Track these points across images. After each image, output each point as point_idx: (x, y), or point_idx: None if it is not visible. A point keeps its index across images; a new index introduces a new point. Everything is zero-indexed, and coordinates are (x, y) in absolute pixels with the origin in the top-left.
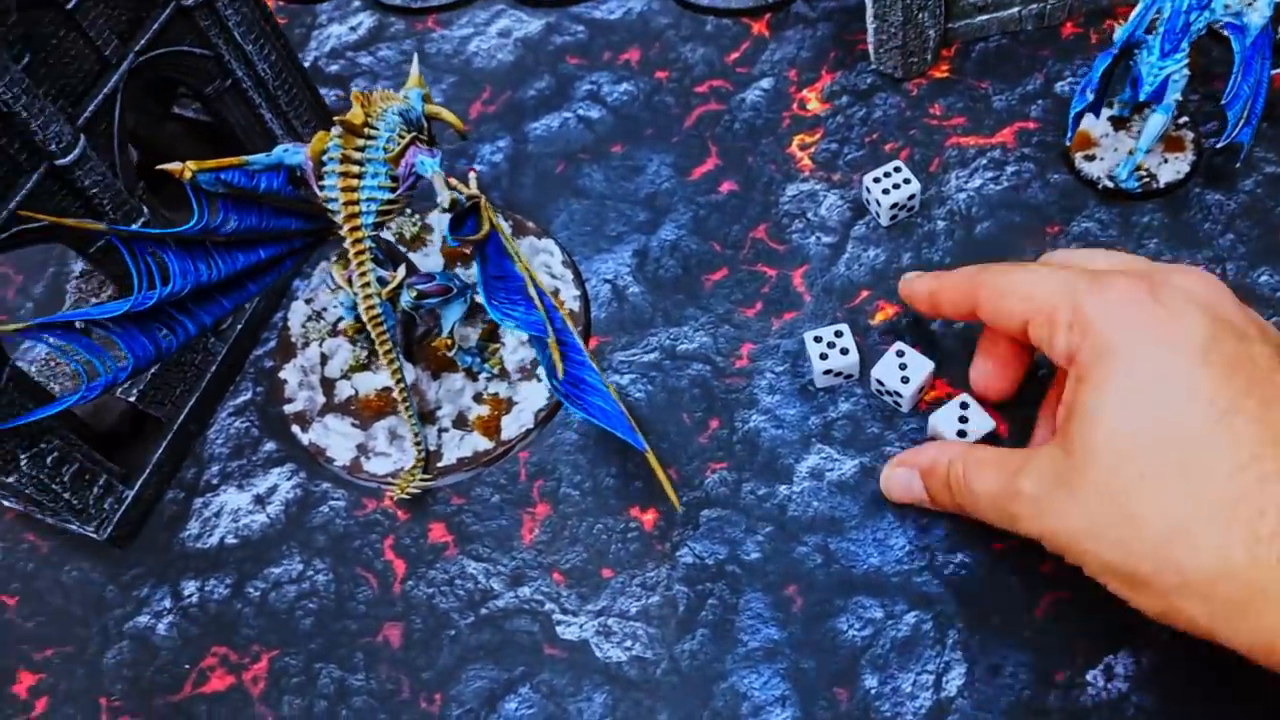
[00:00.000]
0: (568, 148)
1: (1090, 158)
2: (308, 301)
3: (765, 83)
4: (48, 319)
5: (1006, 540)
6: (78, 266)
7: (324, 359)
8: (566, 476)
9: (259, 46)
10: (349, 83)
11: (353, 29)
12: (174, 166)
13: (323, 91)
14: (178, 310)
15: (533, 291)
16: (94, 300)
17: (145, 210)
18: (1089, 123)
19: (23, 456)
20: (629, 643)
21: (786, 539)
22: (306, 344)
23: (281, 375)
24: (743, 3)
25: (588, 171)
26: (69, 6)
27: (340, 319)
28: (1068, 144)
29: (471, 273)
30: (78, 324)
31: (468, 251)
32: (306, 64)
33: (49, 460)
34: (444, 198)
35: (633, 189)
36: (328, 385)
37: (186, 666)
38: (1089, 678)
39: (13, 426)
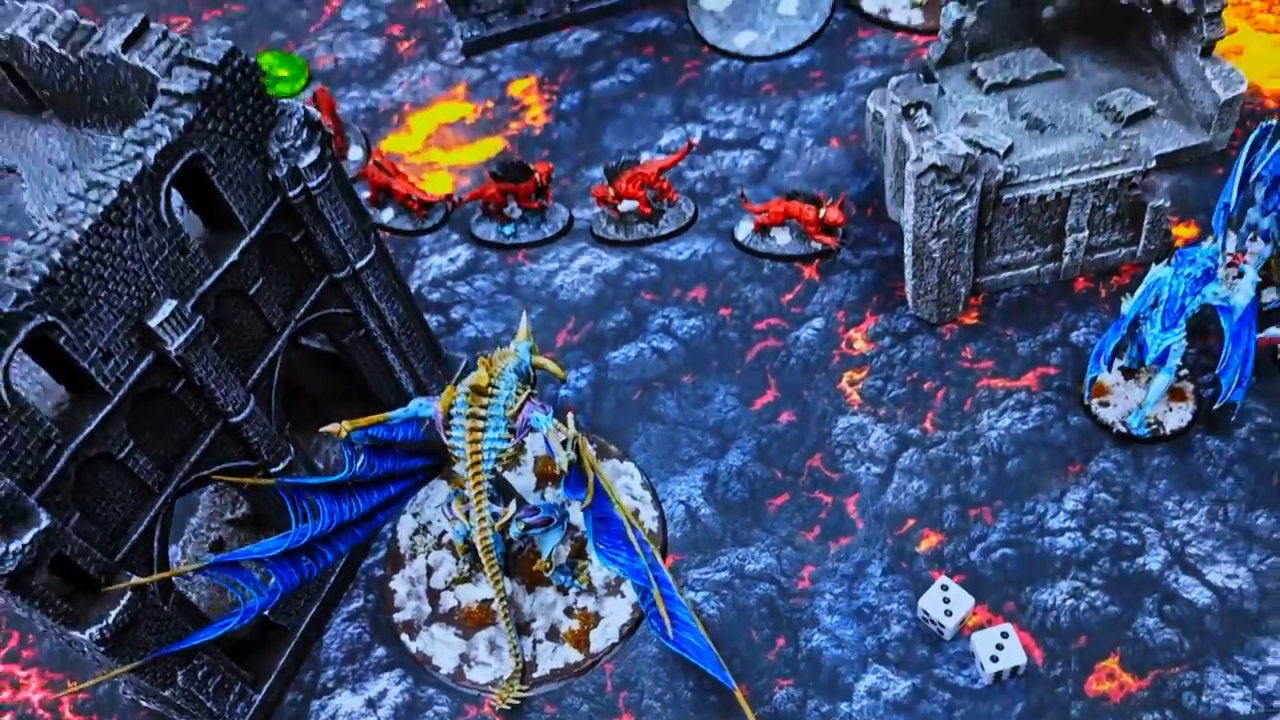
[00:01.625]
0: (644, 376)
1: (1105, 404)
2: (414, 516)
3: (817, 322)
4: (220, 558)
5: None
6: (209, 487)
7: (429, 570)
8: (649, 689)
9: (390, 304)
10: (449, 309)
11: (451, 260)
12: (333, 428)
13: (425, 316)
14: (321, 543)
15: (631, 536)
16: (228, 515)
17: (291, 449)
18: (1103, 374)
19: (179, 672)
20: None
21: None
22: (414, 556)
23: (391, 585)
24: (794, 250)
25: (662, 398)
26: (251, 292)
27: (444, 533)
28: (1085, 400)
29: (560, 492)
30: (242, 562)
31: (558, 473)
32: (410, 291)
33: (199, 674)
34: (562, 460)
35: (702, 416)
36: (433, 595)
37: None
38: None
39: (181, 649)
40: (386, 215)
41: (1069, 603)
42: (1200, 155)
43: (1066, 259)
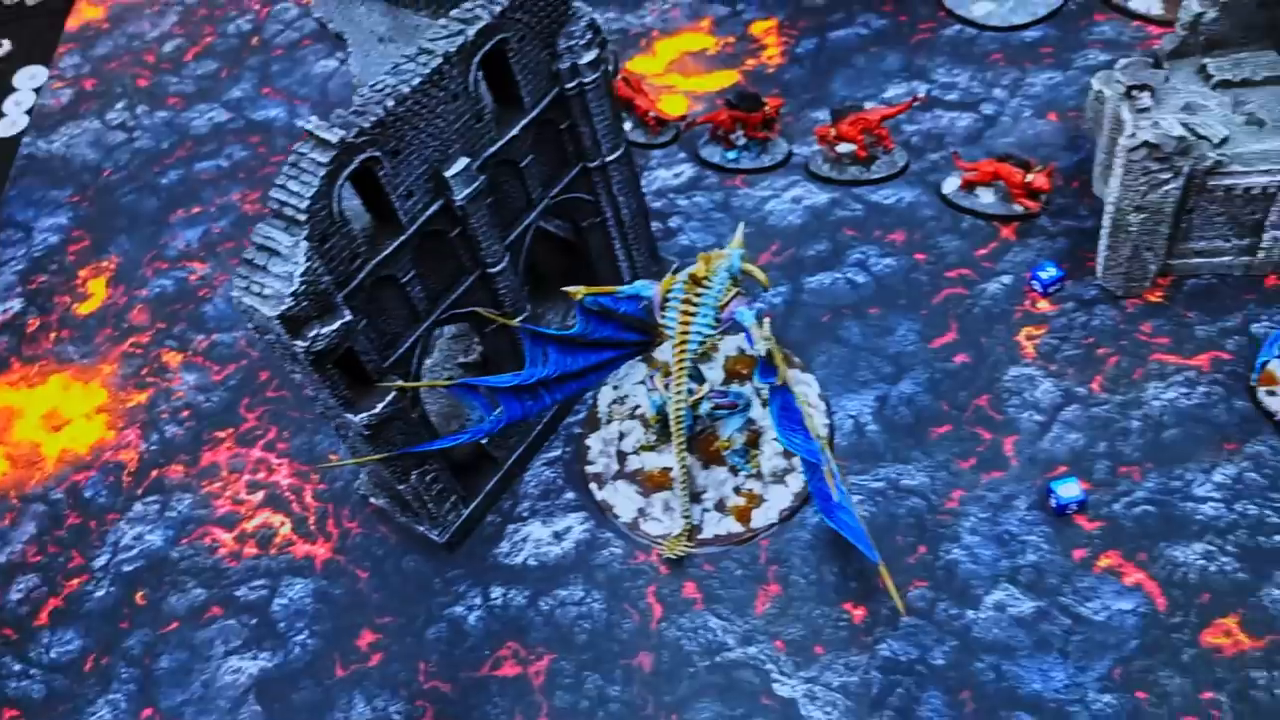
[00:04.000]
0: (835, 302)
1: (1273, 393)
2: (614, 388)
3: (1005, 278)
4: (465, 380)
5: (1149, 689)
6: (449, 330)
7: (621, 436)
8: (797, 566)
9: (626, 199)
10: (667, 218)
11: (676, 175)
12: (573, 290)
13: None
14: (544, 387)
15: (810, 425)
16: (460, 360)
17: (527, 307)
18: (1275, 365)
19: (414, 473)
20: (828, 709)
21: (967, 653)
22: (610, 421)
23: (587, 442)
24: (996, 210)
25: (848, 324)
26: (522, 165)
27: (638, 406)
28: (1253, 383)
29: (748, 390)
30: (481, 388)
31: (744, 374)
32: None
33: (428, 477)
34: (760, 347)
35: (883, 345)
36: (621, 456)
37: (487, 653)
38: None
39: (419, 451)
40: (625, 127)
41: (1199, 563)
42: None
43: (1261, 254)
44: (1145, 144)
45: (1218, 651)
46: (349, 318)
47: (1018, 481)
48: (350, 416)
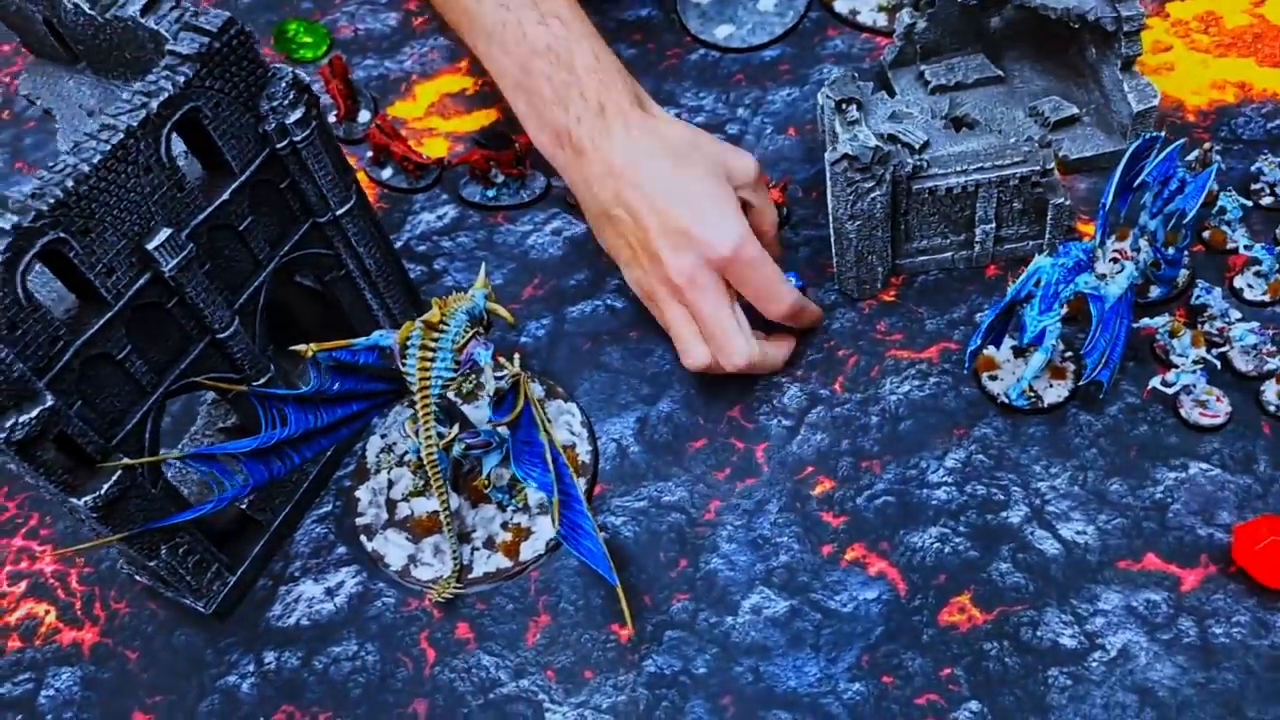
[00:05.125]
0: (596, 329)
1: (993, 377)
2: (382, 437)
3: None
4: (198, 450)
5: (894, 673)
6: (209, 397)
7: (390, 484)
8: (565, 594)
9: (368, 248)
10: (433, 261)
11: (439, 217)
12: (300, 349)
13: (411, 266)
14: (289, 447)
15: (549, 456)
16: (219, 424)
17: (271, 367)
18: (993, 350)
19: (164, 547)
20: None
21: (727, 659)
22: (378, 470)
23: (356, 494)
24: None
25: (609, 350)
26: (240, 228)
27: (405, 453)
28: (966, 373)
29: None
30: (218, 455)
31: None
32: (400, 242)
33: (181, 550)
34: (490, 388)
35: (642, 367)
36: (391, 505)
37: (261, 719)
38: None
39: (162, 526)
40: (386, 173)
41: (935, 546)
42: (1117, 161)
43: (978, 247)
44: (845, 156)
45: (953, 629)
46: (51, 403)
47: (769, 486)
48: (74, 500)
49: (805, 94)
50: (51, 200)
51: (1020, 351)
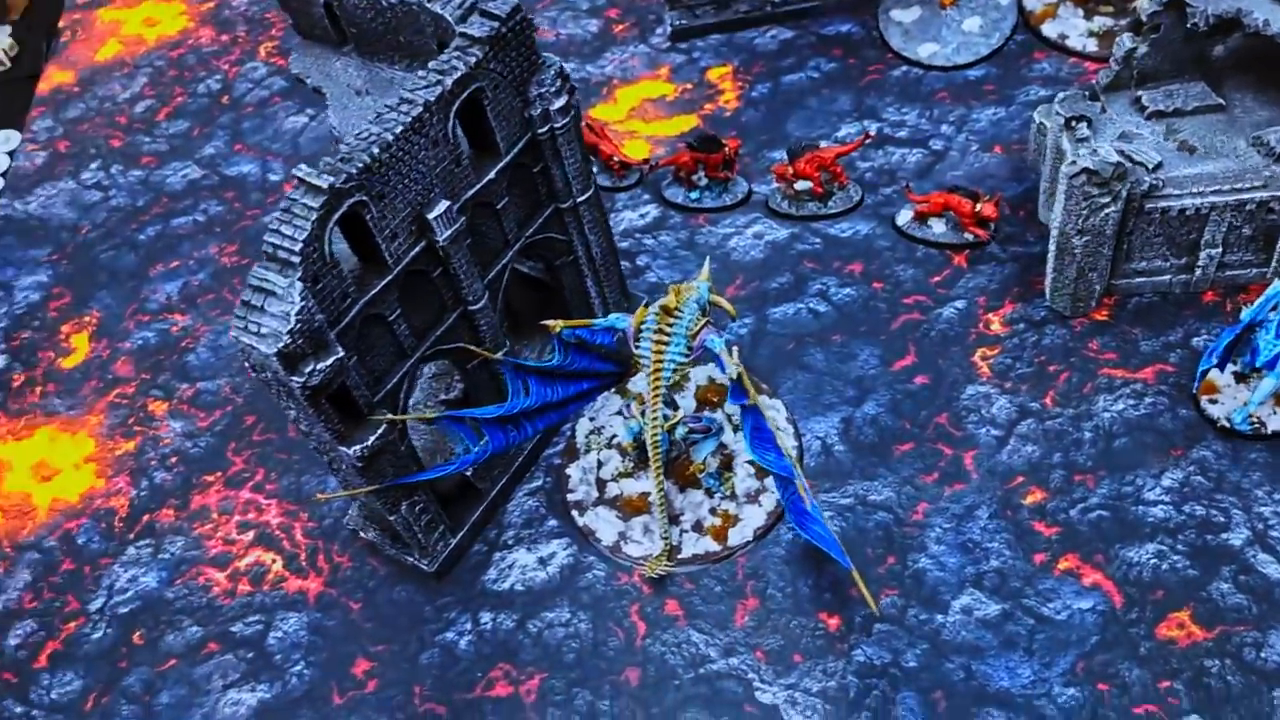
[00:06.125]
0: (798, 331)
1: (1214, 401)
2: (590, 419)
3: (959, 303)
4: (452, 412)
5: (1110, 681)
6: (429, 369)
7: (599, 464)
8: (773, 581)
9: (597, 237)
10: (635, 257)
11: (641, 216)
12: (552, 323)
13: None
14: (526, 418)
15: (781, 443)
16: (441, 396)
17: (507, 342)
18: (1215, 375)
19: (404, 503)
20: (809, 713)
21: (938, 655)
22: (588, 451)
23: (567, 471)
24: (948, 239)
25: (811, 351)
26: (498, 207)
27: (614, 435)
28: (1194, 391)
29: (720, 415)
30: (468, 419)
31: (715, 401)
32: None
33: (417, 508)
34: (731, 370)
35: (845, 370)
36: (600, 484)
37: (479, 675)
38: None
39: (410, 481)
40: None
41: (1152, 561)
42: None
43: (1199, 272)
44: (1085, 170)
45: (1172, 643)
46: (341, 354)
47: (978, 493)
48: (344, 449)
49: (1011, 114)
50: (360, 165)
51: (1243, 377)
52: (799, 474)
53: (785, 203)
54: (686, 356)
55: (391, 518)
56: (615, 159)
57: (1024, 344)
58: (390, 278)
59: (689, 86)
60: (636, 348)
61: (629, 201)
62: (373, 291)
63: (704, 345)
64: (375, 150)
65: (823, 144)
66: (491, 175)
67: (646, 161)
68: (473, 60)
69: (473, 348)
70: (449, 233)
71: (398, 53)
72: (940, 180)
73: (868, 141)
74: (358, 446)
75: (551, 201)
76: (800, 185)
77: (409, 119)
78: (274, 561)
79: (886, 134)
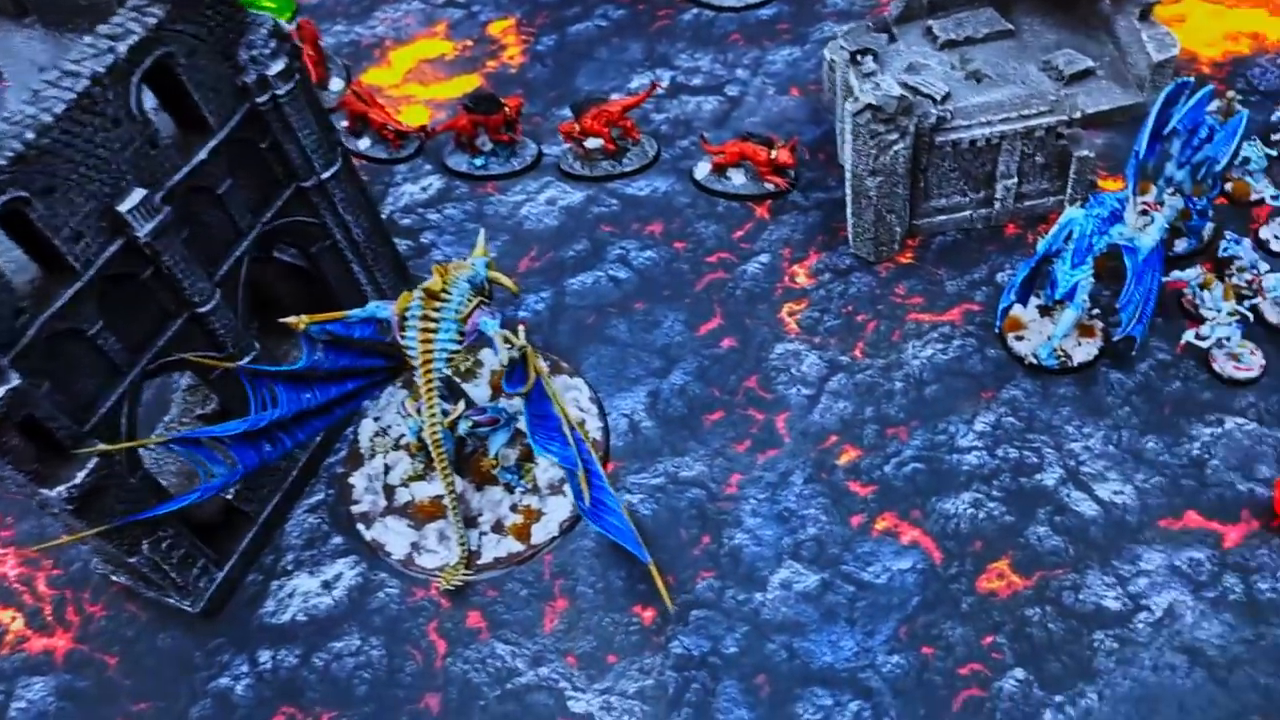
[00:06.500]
0: (599, 301)
1: (1020, 338)
2: (375, 420)
3: (764, 257)
4: (182, 434)
5: (934, 644)
6: (184, 382)
7: (387, 469)
8: (583, 577)
9: (355, 216)
10: (418, 234)
11: (423, 189)
12: (292, 320)
13: (396, 241)
14: (281, 429)
15: (566, 430)
16: (198, 411)
17: (256, 345)
18: (1019, 310)
19: (145, 542)
20: (626, 718)
21: (759, 637)
22: (373, 455)
23: (350, 480)
24: (749, 190)
25: (614, 323)
26: (219, 192)
27: (402, 435)
28: (997, 331)
29: (515, 403)
30: (204, 440)
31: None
32: (383, 216)
33: (164, 545)
34: (503, 356)
35: (650, 339)
36: (388, 491)
37: None
38: None
39: (143, 518)
40: (363, 144)
41: (969, 511)
42: (1134, 115)
43: (997, 205)
44: (869, 107)
45: (993, 596)
46: (17, 382)
47: (792, 457)
48: (46, 492)
49: (807, 53)
50: (10, 154)
51: (1047, 311)
52: (582, 464)
53: (578, 164)
54: (460, 343)
55: (132, 559)
56: (389, 127)
57: (831, 295)
58: (79, 285)
59: (469, 43)
60: (402, 338)
61: (409, 174)
62: (58, 304)
63: (477, 328)
64: (30, 135)
65: (614, 97)
66: (203, 155)
67: (423, 129)
68: (152, 21)
69: (198, 357)
70: (151, 226)
71: (85, 18)
72: (739, 128)
73: (657, 92)
74: (62, 487)
75: (291, 180)
76: (591, 143)
77: (73, 95)
78: (13, 620)
79: (680, 83)
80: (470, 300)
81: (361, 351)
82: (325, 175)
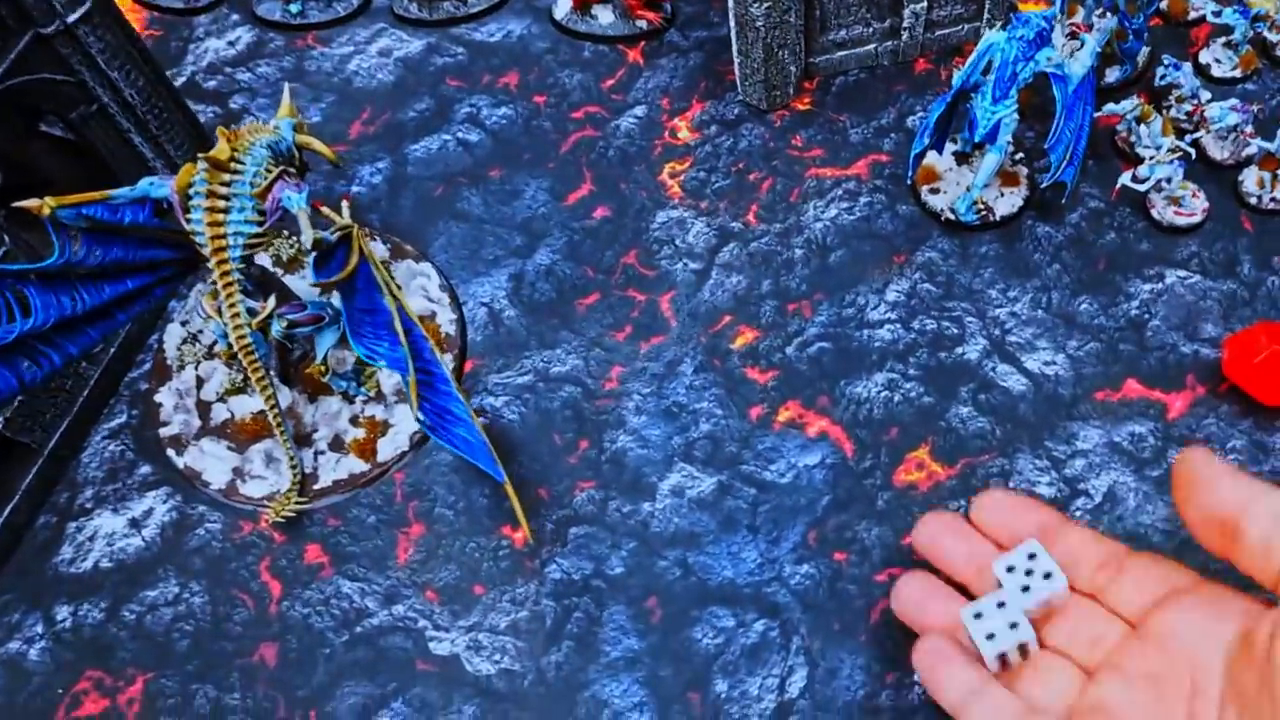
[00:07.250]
0: (447, 170)
1: (935, 191)
2: (183, 324)
3: (639, 110)
4: None
5: (848, 548)
6: None
7: (200, 382)
8: (441, 497)
9: (125, 73)
10: (228, 99)
11: (231, 44)
12: (32, 203)
13: (200, 108)
14: (42, 343)
15: (399, 325)
16: None
17: (6, 239)
18: (934, 158)
19: None
20: (498, 656)
21: (648, 554)
22: (182, 367)
23: (157, 398)
24: (618, 30)
25: (467, 195)
26: None
27: (214, 343)
28: (909, 182)
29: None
30: None
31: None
32: (182, 80)
33: None
34: (307, 238)
35: (510, 213)
36: (204, 408)
37: (60, 691)
38: (916, 677)
39: None
40: None
41: (883, 395)
42: None
43: (905, 35)
44: None
45: (913, 489)
46: None
47: (680, 344)
48: None
49: None
50: None
51: (965, 158)
52: (417, 366)
53: (414, 6)
54: (260, 224)
55: None
56: None
57: (718, 151)
58: None
59: None
60: (187, 222)
61: (211, 26)
62: None
63: (279, 204)
64: None
65: None
66: None
67: None
68: None
69: None
70: None
71: None
72: None
73: None
74: None
75: (28, 26)
76: None
77: None
78: None
79: None
80: (270, 170)
81: (141, 241)
82: (71, 18)
